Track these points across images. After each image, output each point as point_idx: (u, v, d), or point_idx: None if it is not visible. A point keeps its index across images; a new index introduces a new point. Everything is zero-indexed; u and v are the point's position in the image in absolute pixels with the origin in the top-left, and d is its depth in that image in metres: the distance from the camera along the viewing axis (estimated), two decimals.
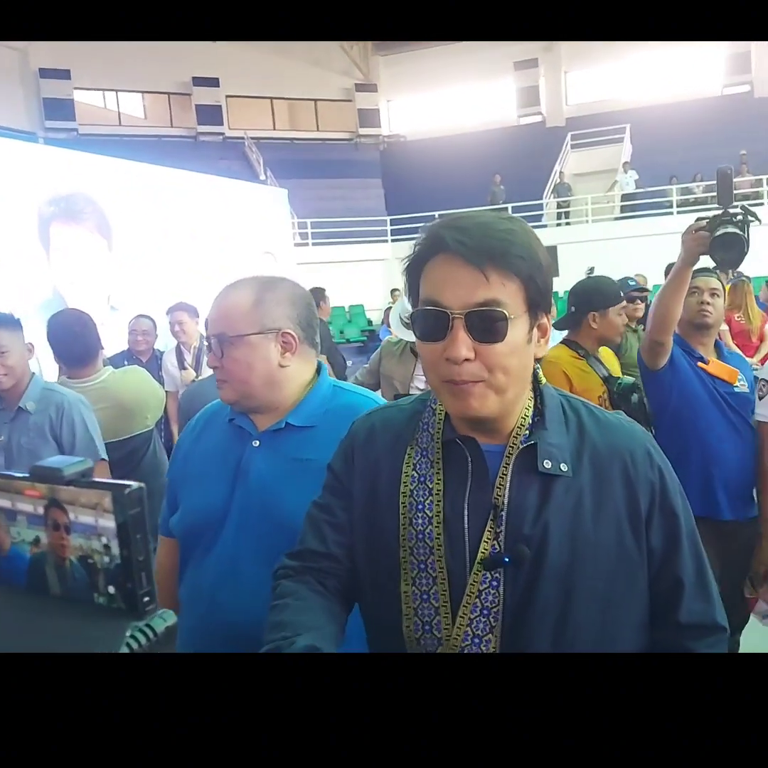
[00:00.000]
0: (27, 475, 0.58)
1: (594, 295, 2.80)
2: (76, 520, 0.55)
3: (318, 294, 6.05)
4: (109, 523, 0.53)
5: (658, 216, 16.39)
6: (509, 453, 1.04)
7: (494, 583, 1.02)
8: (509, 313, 0.97)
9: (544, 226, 17.32)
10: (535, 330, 1.03)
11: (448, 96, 22.46)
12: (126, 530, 0.53)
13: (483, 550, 1.02)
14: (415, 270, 1.03)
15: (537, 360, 1.07)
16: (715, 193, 2.52)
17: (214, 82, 20.65)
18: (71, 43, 17.64)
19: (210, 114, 20.92)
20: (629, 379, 2.69)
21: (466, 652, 1.03)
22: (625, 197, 17.43)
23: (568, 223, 17.70)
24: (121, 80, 19.93)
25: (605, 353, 2.90)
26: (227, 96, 21.16)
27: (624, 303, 2.91)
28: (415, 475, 1.08)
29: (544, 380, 1.10)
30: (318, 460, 1.30)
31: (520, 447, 1.04)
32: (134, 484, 0.54)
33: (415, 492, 1.07)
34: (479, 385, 0.99)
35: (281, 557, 1.19)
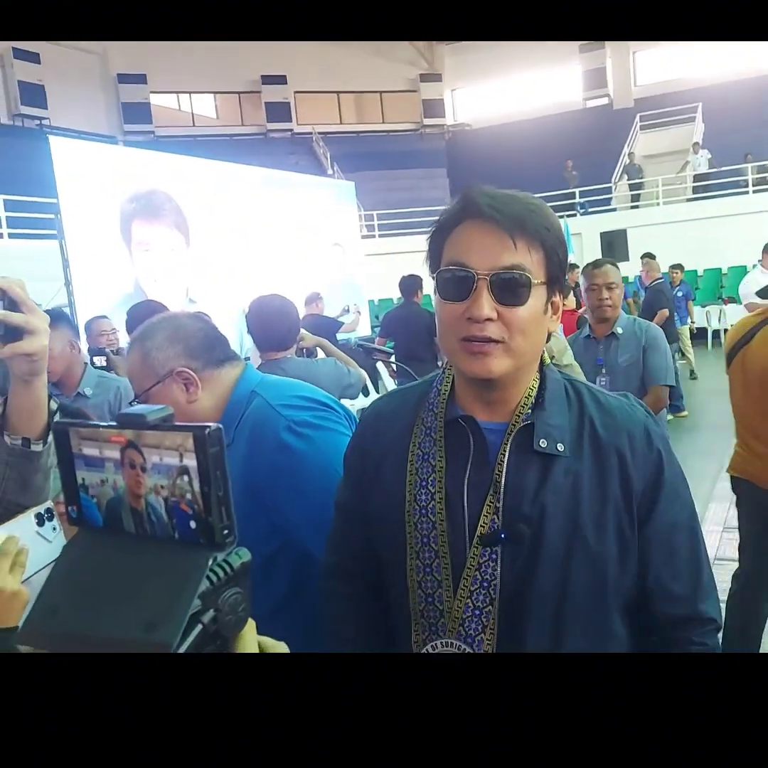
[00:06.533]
0: (113, 423, 0.60)
1: None
2: (161, 461, 0.57)
3: (417, 282, 6.04)
4: (191, 461, 0.56)
5: (733, 196, 15.92)
6: (510, 431, 1.06)
7: (493, 557, 1.04)
8: (533, 279, 1.00)
9: (613, 209, 17.05)
10: (550, 305, 1.06)
11: (512, 82, 22.22)
12: (206, 468, 0.56)
13: (482, 525, 1.05)
14: (441, 234, 1.06)
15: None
16: None
17: (281, 80, 21.03)
18: (147, 49, 18.35)
19: (279, 111, 21.33)
20: None
21: (467, 623, 1.06)
22: (697, 178, 16.94)
23: (636, 207, 17.34)
24: (194, 82, 20.54)
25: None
26: (295, 92, 21.53)
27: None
28: (420, 453, 1.11)
29: (548, 361, 1.12)
30: (235, 479, 1.37)
31: (520, 425, 1.06)
32: (213, 425, 0.57)
33: (420, 469, 1.10)
34: (498, 347, 1.01)
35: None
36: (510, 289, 1.00)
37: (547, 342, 1.11)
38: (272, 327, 2.83)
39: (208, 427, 0.56)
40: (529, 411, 1.07)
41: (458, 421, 1.09)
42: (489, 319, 0.99)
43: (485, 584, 1.04)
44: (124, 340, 4.89)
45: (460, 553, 1.06)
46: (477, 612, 1.05)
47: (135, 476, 0.59)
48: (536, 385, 1.09)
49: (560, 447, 1.04)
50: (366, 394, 5.57)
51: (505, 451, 1.05)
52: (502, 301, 1.00)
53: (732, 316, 12.68)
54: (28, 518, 1.17)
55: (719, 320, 13.55)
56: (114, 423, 0.60)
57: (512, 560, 1.04)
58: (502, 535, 1.03)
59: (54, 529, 1.19)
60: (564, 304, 1.11)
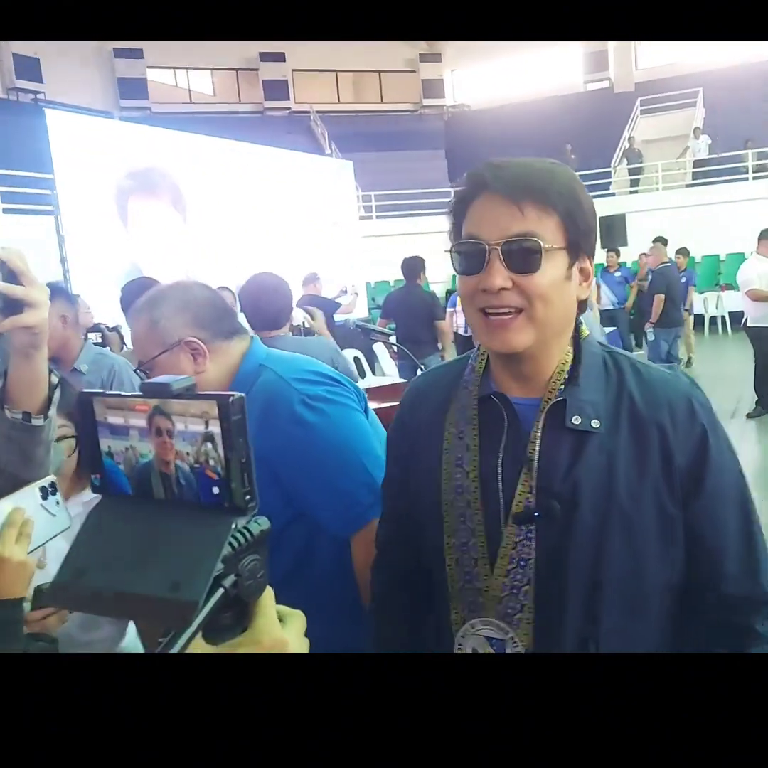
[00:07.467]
0: (138, 392, 0.62)
1: None
2: (186, 429, 0.59)
3: (419, 264, 6.00)
4: (215, 428, 0.58)
5: (732, 182, 15.86)
6: (542, 408, 1.05)
7: (529, 536, 1.03)
8: (545, 245, 0.98)
9: (612, 194, 16.97)
10: (576, 271, 1.04)
11: (512, 64, 22.02)
12: (230, 435, 0.57)
13: (517, 504, 1.04)
14: (459, 211, 1.07)
15: (580, 304, 1.07)
16: None
17: (280, 57, 20.79)
18: None
19: (276, 89, 21.10)
20: None
21: (505, 601, 1.05)
22: (697, 163, 16.86)
23: (635, 191, 17.26)
24: (191, 58, 20.27)
25: None
26: (293, 70, 21.29)
27: None
28: (455, 431, 1.10)
29: (585, 333, 1.09)
30: None
31: (552, 402, 1.04)
32: (236, 394, 0.58)
33: (455, 448, 1.10)
34: (518, 318, 1.00)
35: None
36: (521, 256, 0.99)
37: (581, 313, 1.09)
38: (265, 306, 2.82)
39: (232, 395, 0.58)
40: (562, 386, 1.05)
41: (491, 398, 1.08)
42: (503, 289, 0.99)
43: (522, 563, 1.04)
44: (114, 318, 4.83)
45: (497, 532, 1.05)
46: (514, 591, 1.04)
47: (163, 443, 0.60)
48: (569, 359, 1.07)
49: (595, 423, 1.02)
50: (362, 375, 5.57)
51: (538, 428, 1.04)
52: (515, 269, 0.99)
53: (729, 304, 12.70)
54: (32, 491, 1.18)
55: (716, 307, 13.55)
56: (139, 393, 0.61)
57: (546, 539, 1.03)
58: (536, 514, 1.03)
59: (57, 503, 1.21)
60: None
